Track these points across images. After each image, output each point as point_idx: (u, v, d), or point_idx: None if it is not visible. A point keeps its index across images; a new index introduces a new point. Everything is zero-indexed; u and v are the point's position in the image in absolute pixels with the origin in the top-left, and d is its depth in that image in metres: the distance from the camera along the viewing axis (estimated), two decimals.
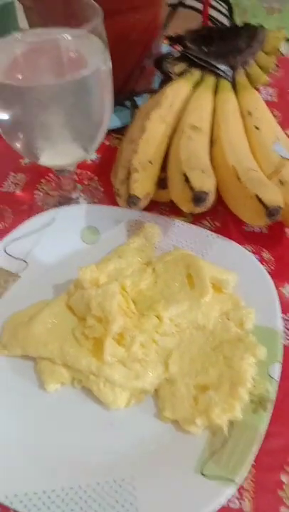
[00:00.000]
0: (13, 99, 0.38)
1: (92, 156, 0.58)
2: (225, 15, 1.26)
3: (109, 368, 0.35)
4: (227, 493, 0.30)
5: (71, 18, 0.41)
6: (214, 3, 1.26)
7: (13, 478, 0.31)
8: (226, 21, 1.21)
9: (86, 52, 0.39)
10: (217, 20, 1.24)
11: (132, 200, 0.41)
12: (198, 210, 0.40)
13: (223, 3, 1.33)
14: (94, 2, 0.39)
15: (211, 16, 1.26)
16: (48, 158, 0.44)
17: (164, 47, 0.69)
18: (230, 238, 0.45)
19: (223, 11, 1.28)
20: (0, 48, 0.38)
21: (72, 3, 0.40)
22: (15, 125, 0.41)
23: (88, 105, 0.39)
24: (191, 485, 0.31)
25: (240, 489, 0.32)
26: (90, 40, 0.38)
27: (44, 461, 0.33)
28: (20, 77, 0.39)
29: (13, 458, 0.33)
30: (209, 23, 1.22)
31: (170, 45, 0.57)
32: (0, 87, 0.38)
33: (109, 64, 0.40)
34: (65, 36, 0.35)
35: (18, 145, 0.42)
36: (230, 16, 1.22)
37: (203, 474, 0.31)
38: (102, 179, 0.55)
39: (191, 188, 0.39)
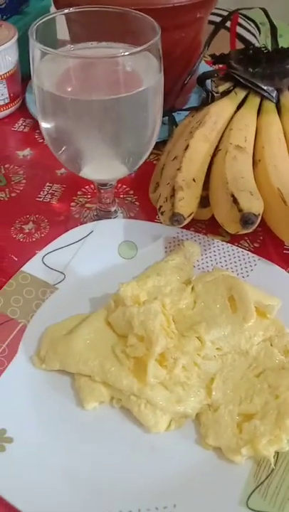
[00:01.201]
0: (64, 110, 0.38)
1: None
2: (252, 33, 1.27)
3: (151, 389, 0.35)
4: None
5: (125, 34, 0.41)
6: (242, 22, 1.27)
7: (49, 498, 0.30)
8: (254, 40, 1.22)
9: (141, 69, 0.39)
10: (244, 39, 1.25)
11: (176, 219, 0.41)
12: (245, 231, 0.40)
13: (250, 23, 1.34)
14: (153, 20, 0.39)
15: (238, 34, 1.26)
16: (90, 172, 0.44)
17: (203, 65, 0.69)
18: (269, 260, 0.44)
19: (251, 29, 1.29)
20: (55, 59, 0.37)
21: (127, 18, 0.40)
22: (63, 137, 0.40)
23: (139, 123, 0.39)
24: None
25: None
26: (147, 58, 0.38)
27: (81, 483, 0.32)
28: (72, 89, 0.39)
29: (49, 477, 0.32)
30: (237, 42, 1.23)
31: (213, 63, 0.57)
32: (52, 97, 0.38)
33: (162, 83, 0.40)
34: (123, 52, 0.35)
35: (63, 156, 0.42)
36: (257, 35, 1.22)
37: (248, 507, 0.30)
38: (138, 194, 0.55)
39: (240, 210, 0.39)
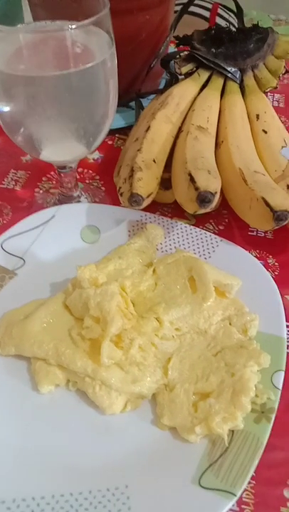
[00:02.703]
0: (16, 89, 0.37)
1: (95, 155, 0.57)
2: (232, 24, 1.26)
3: (106, 370, 0.34)
4: (226, 506, 0.28)
5: (79, 14, 0.40)
6: (221, 12, 1.27)
7: (1, 483, 0.30)
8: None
9: (93, 45, 0.38)
10: (222, 28, 1.24)
11: (134, 199, 0.40)
12: (203, 210, 0.39)
13: (230, 13, 1.33)
14: None
15: (218, 24, 1.26)
16: (49, 153, 0.43)
17: (171, 49, 0.68)
18: (233, 242, 0.43)
19: (231, 20, 1.28)
20: (6, 38, 0.36)
21: None
22: (17, 117, 0.40)
23: (92, 99, 0.38)
24: (188, 496, 0.29)
25: (240, 502, 0.30)
26: (98, 34, 0.37)
27: (34, 465, 0.31)
28: (23, 67, 0.38)
29: (1, 461, 0.31)
30: None
31: (177, 47, 0.56)
32: (3, 76, 0.37)
33: (115, 59, 0.39)
34: (72, 28, 0.34)
35: (19, 138, 0.41)
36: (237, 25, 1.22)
37: (201, 485, 0.29)
38: (104, 179, 0.54)
39: (197, 188, 0.38)
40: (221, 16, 1.33)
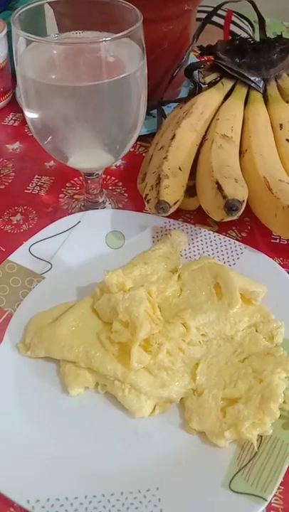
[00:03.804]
0: (48, 98, 0.38)
1: (118, 162, 0.58)
2: (246, 31, 1.27)
3: (135, 374, 0.35)
4: (256, 510, 0.29)
5: (110, 24, 0.41)
6: (236, 20, 1.28)
7: (35, 482, 0.30)
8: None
9: (124, 56, 0.39)
10: (245, 38, 1.25)
11: (161, 206, 0.41)
12: (230, 218, 0.40)
13: (244, 20, 1.34)
14: (135, 7, 0.39)
15: (232, 31, 1.27)
16: (78, 161, 0.44)
17: (192, 58, 0.69)
18: (257, 250, 0.44)
19: (245, 27, 1.29)
20: (38, 48, 0.37)
21: (112, 9, 0.41)
22: (48, 125, 0.41)
23: (123, 109, 0.39)
24: (219, 499, 0.29)
25: (269, 508, 0.31)
26: (129, 46, 0.38)
27: (67, 466, 0.32)
28: (56, 76, 0.39)
29: (35, 462, 0.32)
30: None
31: (200, 56, 0.57)
32: (36, 85, 0.38)
33: (146, 70, 0.40)
34: (106, 40, 0.35)
35: (48, 145, 0.42)
36: (251, 33, 1.23)
37: (231, 489, 0.30)
38: (126, 185, 0.55)
39: (224, 197, 0.39)
40: (235, 24, 1.34)
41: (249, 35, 1.25)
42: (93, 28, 0.42)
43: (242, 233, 0.49)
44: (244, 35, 1.24)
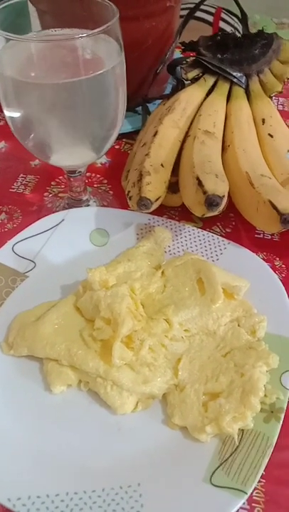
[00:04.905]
0: (27, 96, 0.38)
1: (102, 159, 0.58)
2: (235, 28, 1.27)
3: (117, 371, 0.35)
4: (237, 504, 0.29)
5: (88, 21, 0.41)
6: (225, 17, 1.28)
7: (16, 480, 0.30)
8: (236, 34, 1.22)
9: (102, 53, 0.39)
10: (227, 34, 1.25)
11: (143, 203, 0.41)
12: (211, 213, 0.40)
13: (233, 17, 1.34)
14: (111, 3, 0.39)
15: (221, 28, 1.27)
16: (59, 158, 0.44)
17: (177, 55, 0.69)
18: (240, 245, 0.44)
19: (234, 24, 1.29)
20: (17, 46, 0.37)
21: (90, 5, 0.40)
22: (28, 123, 0.40)
23: (102, 106, 0.39)
24: (200, 494, 0.30)
25: (251, 501, 0.31)
26: (107, 42, 0.38)
27: (48, 464, 0.32)
28: (34, 74, 0.39)
29: (16, 460, 0.32)
30: None
31: (183, 52, 0.57)
32: (14, 83, 0.38)
33: (124, 66, 0.40)
34: (83, 37, 0.35)
35: (29, 144, 0.42)
36: (240, 30, 1.23)
37: (212, 483, 0.30)
38: (111, 183, 0.55)
39: (205, 192, 0.39)
40: (225, 21, 1.34)
41: (239, 32, 1.26)
42: (73, 26, 0.42)
43: (226, 229, 0.49)
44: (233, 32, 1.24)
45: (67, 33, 0.41)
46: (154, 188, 0.42)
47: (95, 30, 0.35)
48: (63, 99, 0.37)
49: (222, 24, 1.29)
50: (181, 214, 0.50)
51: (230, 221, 0.50)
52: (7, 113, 0.40)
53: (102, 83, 0.37)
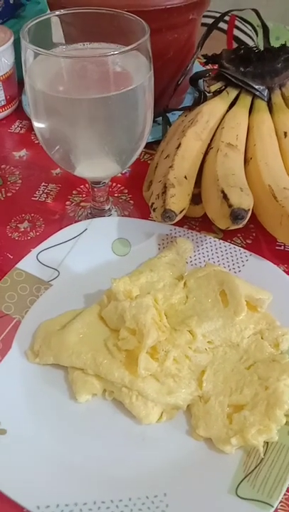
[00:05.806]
0: (57, 110, 0.39)
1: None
2: (249, 36, 1.28)
3: (143, 381, 0.35)
4: None
5: (116, 36, 0.42)
6: (239, 24, 1.28)
7: (45, 488, 0.31)
8: (250, 42, 1.23)
9: (132, 68, 0.40)
10: (242, 42, 1.26)
11: (167, 215, 0.42)
12: (235, 227, 0.40)
13: (247, 25, 1.35)
14: (141, 19, 0.40)
15: (236, 36, 1.27)
16: (85, 170, 0.44)
17: (197, 66, 0.70)
18: (261, 256, 0.45)
19: (248, 32, 1.30)
20: (46, 60, 0.38)
21: (119, 21, 0.41)
22: (56, 136, 0.41)
23: (130, 121, 0.40)
24: (226, 505, 0.30)
25: None
26: (137, 57, 0.39)
27: (76, 473, 0.32)
28: (64, 88, 0.39)
29: (45, 468, 0.32)
30: (234, 44, 1.24)
31: (205, 65, 0.57)
32: (45, 97, 0.39)
33: (152, 81, 0.41)
34: (113, 53, 0.35)
35: (56, 155, 0.43)
36: (254, 38, 1.24)
37: (238, 495, 0.30)
38: (132, 192, 0.55)
39: (230, 205, 0.40)
40: (239, 28, 1.35)
41: (253, 40, 1.26)
42: (100, 40, 0.43)
43: (247, 240, 0.50)
44: (247, 39, 1.25)
45: (96, 48, 0.42)
46: (178, 200, 0.43)
47: (127, 48, 0.35)
48: (93, 115, 0.38)
49: (236, 32, 1.30)
50: (202, 224, 0.51)
51: (251, 232, 0.50)
52: (36, 124, 0.41)
53: (131, 98, 0.38)
